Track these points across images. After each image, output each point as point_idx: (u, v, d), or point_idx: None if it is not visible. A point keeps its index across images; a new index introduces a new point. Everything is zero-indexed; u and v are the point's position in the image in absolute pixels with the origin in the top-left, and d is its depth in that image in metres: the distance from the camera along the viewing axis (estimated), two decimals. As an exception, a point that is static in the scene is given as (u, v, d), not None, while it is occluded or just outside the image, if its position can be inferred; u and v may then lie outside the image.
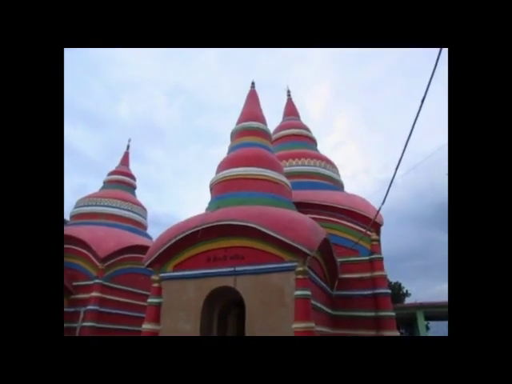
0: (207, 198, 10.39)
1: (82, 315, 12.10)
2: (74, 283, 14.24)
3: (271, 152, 11.19)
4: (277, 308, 7.27)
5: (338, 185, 14.38)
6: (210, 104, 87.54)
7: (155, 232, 19.60)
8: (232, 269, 7.89)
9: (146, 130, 77.52)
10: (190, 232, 8.31)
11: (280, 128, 16.69)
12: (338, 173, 15.11)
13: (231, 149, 10.87)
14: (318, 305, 8.28)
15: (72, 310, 13.71)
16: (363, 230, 10.69)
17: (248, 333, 7.30)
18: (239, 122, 11.47)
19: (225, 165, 10.05)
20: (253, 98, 12.57)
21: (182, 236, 8.37)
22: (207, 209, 9.81)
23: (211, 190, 10.29)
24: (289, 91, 19.46)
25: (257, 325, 7.29)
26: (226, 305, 8.77)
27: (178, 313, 8.14)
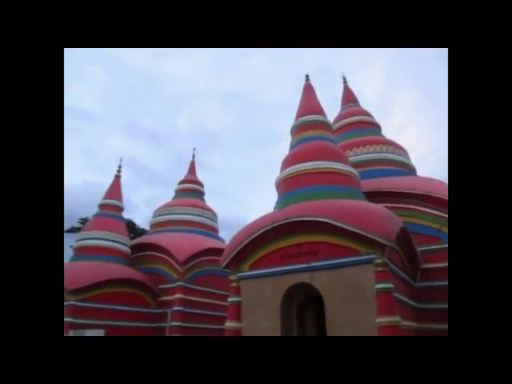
0: (270, 198, 10.48)
1: (169, 315, 13.03)
2: (160, 286, 15.40)
3: (334, 143, 10.90)
4: (358, 303, 7.05)
5: (409, 169, 13.46)
6: (263, 104, 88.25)
7: (225, 235, 20.42)
8: (307, 265, 7.84)
9: (204, 139, 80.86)
10: (261, 232, 8.46)
11: (340, 117, 16.16)
12: (407, 157, 14.15)
13: (293, 145, 10.81)
14: (402, 298, 7.85)
15: (160, 311, 14.86)
16: (445, 216, 9.86)
17: (329, 329, 7.20)
18: (298, 117, 11.36)
19: (289, 162, 10.03)
20: (309, 91, 12.36)
21: (254, 236, 8.56)
22: (275, 207, 9.90)
23: (277, 188, 10.35)
24: (344, 78, 18.78)
25: (338, 321, 7.16)
26: (303, 301, 8.75)
27: (258, 311, 8.34)
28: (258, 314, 8.30)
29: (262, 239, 8.54)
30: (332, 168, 9.39)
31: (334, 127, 14.87)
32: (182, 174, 21.82)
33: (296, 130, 11.11)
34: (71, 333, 11.78)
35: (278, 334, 7.76)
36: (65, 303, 12.56)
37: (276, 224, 8.19)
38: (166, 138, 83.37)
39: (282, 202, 9.49)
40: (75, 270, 13.51)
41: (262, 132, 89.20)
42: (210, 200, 21.38)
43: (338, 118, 16.19)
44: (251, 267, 8.84)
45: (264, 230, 8.38)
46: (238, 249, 8.80)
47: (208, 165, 71.32)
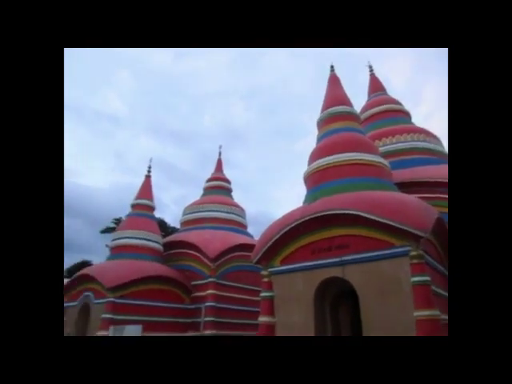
0: (297, 193, 10.42)
1: (203, 311, 13.30)
2: (192, 283, 15.75)
3: (362, 134, 10.63)
4: (393, 296, 6.87)
5: (443, 157, 12.89)
6: (286, 99, 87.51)
7: (253, 231, 20.53)
8: (338, 259, 7.74)
9: (228, 136, 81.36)
10: (291, 226, 8.42)
11: (368, 106, 15.73)
12: (441, 144, 13.57)
13: (320, 138, 10.65)
14: (439, 291, 7.57)
15: (194, 306, 15.22)
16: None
17: (364, 323, 7.08)
18: (324, 108, 11.16)
19: (317, 155, 9.89)
20: (334, 82, 12.11)
21: (284, 231, 8.53)
22: (304, 202, 9.81)
23: (306, 182, 10.25)
24: (371, 67, 18.23)
25: (373, 315, 7.02)
26: (336, 296, 8.65)
27: (290, 305, 8.33)
28: (291, 308, 8.30)
29: (293, 234, 8.50)
30: (361, 159, 9.17)
31: (362, 117, 14.49)
32: (209, 171, 22.13)
33: (323, 122, 10.93)
34: (112, 328, 12.31)
35: (311, 328, 7.72)
36: (104, 300, 13.14)
37: (306, 218, 8.12)
38: (192, 136, 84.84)
39: (311, 196, 9.39)
40: (112, 269, 14.08)
41: (286, 126, 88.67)
42: (236, 196, 21.58)
43: (366, 108, 15.77)
44: (282, 262, 8.83)
45: (294, 224, 8.34)
46: (268, 244, 8.82)
47: (233, 162, 71.88)
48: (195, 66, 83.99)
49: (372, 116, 14.98)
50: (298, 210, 9.06)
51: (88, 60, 75.85)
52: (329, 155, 9.43)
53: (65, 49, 3.45)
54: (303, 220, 8.14)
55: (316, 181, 9.53)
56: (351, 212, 7.49)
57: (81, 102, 75.12)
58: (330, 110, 10.87)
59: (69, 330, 14.23)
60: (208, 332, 13.22)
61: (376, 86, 17.08)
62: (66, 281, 17.32)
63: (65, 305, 15.32)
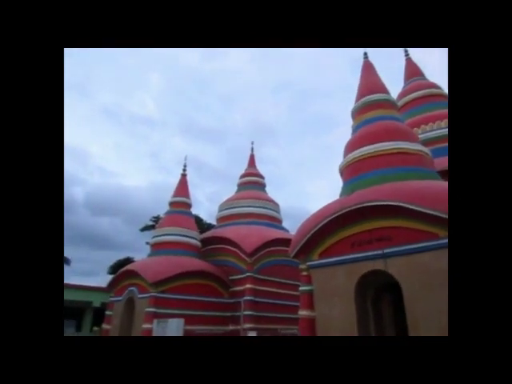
0: (330, 186, 10.21)
1: (242, 305, 13.49)
2: (230, 277, 16.02)
3: (401, 122, 10.21)
4: (439, 289, 6.57)
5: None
6: (316, 91, 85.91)
7: (286, 225, 20.46)
8: (380, 251, 7.52)
9: (259, 132, 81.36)
10: (329, 219, 8.29)
11: (405, 92, 15.07)
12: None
13: (355, 128, 10.36)
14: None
15: (232, 300, 15.49)
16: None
17: (409, 318, 6.85)
18: (359, 97, 10.83)
19: (352, 146, 9.64)
20: (368, 69, 11.70)
21: (322, 224, 8.42)
22: (341, 194, 9.62)
23: (342, 174, 10.04)
24: (406, 50, 17.41)
25: (418, 309, 6.77)
26: (378, 289, 8.43)
27: (331, 299, 8.23)
28: (331, 302, 8.20)
29: (331, 227, 8.37)
30: (400, 148, 8.81)
31: (399, 104, 13.91)
32: (240, 168, 22.38)
33: (358, 111, 10.61)
34: (155, 322, 12.84)
35: (353, 322, 7.60)
36: (148, 295, 13.71)
37: (344, 210, 7.96)
38: (223, 134, 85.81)
39: (348, 188, 9.19)
40: (154, 264, 14.63)
41: (317, 119, 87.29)
42: (270, 192, 21.58)
43: (403, 94, 15.12)
44: (321, 255, 8.74)
45: (332, 217, 8.20)
46: (306, 237, 8.74)
47: (265, 157, 71.86)
48: (223, 63, 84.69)
49: (410, 102, 14.34)
50: (335, 202, 8.90)
51: (120, 64, 78.78)
52: (366, 145, 9.15)
53: (101, 55, 3.50)
54: (342, 212, 7.98)
55: (353, 172, 9.29)
56: (393, 203, 7.24)
57: (118, 107, 78.33)
58: (365, 98, 10.52)
59: (116, 322, 15.01)
60: (247, 326, 13.41)
61: (412, 71, 16.32)
62: (110, 277, 18.27)
63: (111, 299, 16.17)
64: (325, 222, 8.35)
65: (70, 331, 18.84)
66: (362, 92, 10.85)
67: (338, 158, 10.13)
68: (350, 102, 11.21)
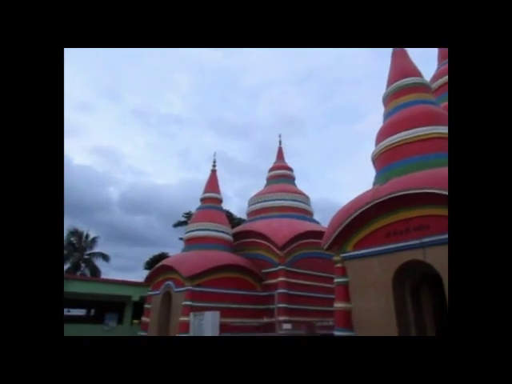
0: (361, 177, 9.91)
1: (276, 297, 13.54)
2: (263, 270, 16.11)
3: (436, 105, 9.74)
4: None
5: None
6: (342, 79, 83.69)
7: (317, 218, 20.21)
8: (418, 241, 7.26)
9: (286, 124, 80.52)
10: (363, 209, 8.10)
11: (438, 75, 14.34)
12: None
13: (388, 114, 9.98)
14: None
15: (266, 293, 15.58)
16: None
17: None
18: (390, 82, 10.41)
19: (386, 132, 9.32)
20: (399, 52, 11.22)
21: (355, 215, 8.25)
22: (374, 183, 9.35)
23: (374, 163, 9.75)
24: (439, 31, 16.53)
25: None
26: (417, 280, 8.15)
27: (367, 291, 8.06)
28: (368, 294, 8.03)
29: (365, 217, 8.17)
30: (438, 133, 8.40)
31: (433, 87, 13.28)
32: (268, 162, 22.33)
33: (390, 97, 10.22)
34: (192, 315, 13.19)
35: (391, 315, 7.41)
36: (184, 288, 14.08)
37: (379, 200, 7.74)
38: (249, 128, 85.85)
39: (382, 177, 8.92)
40: (189, 259, 14.99)
41: (344, 108, 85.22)
42: (298, 185, 21.37)
43: (436, 77, 14.39)
44: (355, 247, 8.56)
45: (367, 207, 8.00)
46: (339, 229, 8.60)
47: (292, 150, 71.15)
48: (246, 58, 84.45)
49: (444, 85, 13.63)
50: (368, 192, 8.67)
51: (147, 65, 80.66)
52: (401, 131, 8.80)
53: (127, 57, 3.51)
54: (376, 202, 7.77)
55: (387, 160, 8.99)
56: (431, 191, 6.94)
57: (147, 107, 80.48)
58: (398, 82, 10.09)
59: (154, 315, 15.56)
60: (282, 318, 13.45)
61: (445, 53, 15.48)
62: (147, 272, 18.90)
63: (149, 293, 16.76)
64: (358, 212, 8.16)
65: (112, 324, 19.74)
66: (394, 76, 10.43)
67: (368, 147, 9.83)
68: (379, 89, 10.79)
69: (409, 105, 9.42)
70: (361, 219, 8.27)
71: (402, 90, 9.90)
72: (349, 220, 8.36)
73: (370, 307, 7.84)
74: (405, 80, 10.01)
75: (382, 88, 10.85)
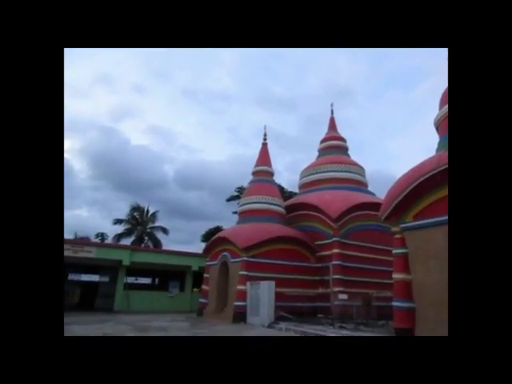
0: (421, 146, 9.25)
1: (331, 269, 13.59)
2: (316, 243, 16.16)
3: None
4: None
5: None
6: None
7: (372, 189, 19.47)
8: (488, 210, 6.74)
9: (337, 95, 76.78)
10: (425, 178, 7.66)
11: None
12: None
13: (453, 74, 9.13)
14: None
15: (320, 265, 15.68)
16: None
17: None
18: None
19: (451, 94, 8.57)
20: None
21: (417, 183, 7.84)
22: (438, 150, 8.75)
23: (437, 128, 9.07)
24: None
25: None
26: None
27: (428, 262, 7.77)
28: (429, 265, 7.74)
29: (427, 186, 7.73)
30: None
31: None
32: (318, 135, 21.71)
33: (455, 54, 9.30)
34: (248, 284, 13.79)
35: (456, 286, 7.10)
36: (239, 259, 14.68)
37: (443, 167, 7.23)
38: (298, 101, 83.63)
39: (445, 144, 8.29)
40: (244, 231, 15.50)
41: (400, 73, 79.16)
42: (351, 156, 20.57)
43: None
44: (416, 217, 8.20)
45: (428, 175, 7.56)
46: (398, 198, 8.26)
47: (343, 121, 68.29)
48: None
49: None
50: (431, 158, 8.14)
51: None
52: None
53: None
54: (441, 169, 7.28)
55: (452, 124, 8.31)
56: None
57: (195, 85, 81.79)
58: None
59: (213, 284, 16.51)
60: (337, 289, 13.50)
61: None
62: (204, 244, 19.91)
63: (207, 263, 17.75)
64: (420, 180, 7.75)
65: (175, 291, 21.35)
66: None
67: (426, 115, 9.10)
68: (437, 50, 9.86)
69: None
70: (423, 187, 7.85)
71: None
72: (410, 189, 7.98)
73: (433, 280, 7.56)
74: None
75: (440, 50, 9.86)
